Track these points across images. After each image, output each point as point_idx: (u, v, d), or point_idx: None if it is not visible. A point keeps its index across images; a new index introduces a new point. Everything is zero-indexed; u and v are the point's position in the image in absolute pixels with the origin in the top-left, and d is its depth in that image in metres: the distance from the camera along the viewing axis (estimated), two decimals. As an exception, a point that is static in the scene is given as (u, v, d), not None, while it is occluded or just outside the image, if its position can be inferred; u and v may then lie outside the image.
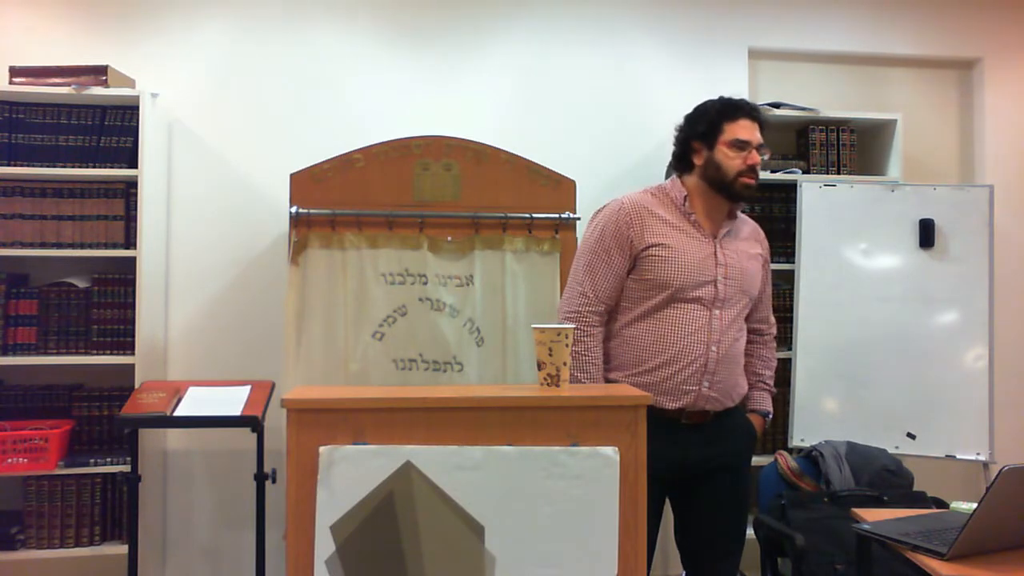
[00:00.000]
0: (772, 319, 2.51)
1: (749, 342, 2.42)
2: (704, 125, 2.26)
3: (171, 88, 3.23)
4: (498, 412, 1.66)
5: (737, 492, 2.29)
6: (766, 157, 2.32)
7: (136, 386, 2.83)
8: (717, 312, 2.21)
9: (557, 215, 2.99)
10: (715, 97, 2.31)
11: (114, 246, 2.97)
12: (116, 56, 3.18)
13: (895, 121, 3.42)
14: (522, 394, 1.71)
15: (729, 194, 2.24)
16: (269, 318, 3.22)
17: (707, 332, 2.20)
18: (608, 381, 2.26)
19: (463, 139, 2.99)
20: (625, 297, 2.26)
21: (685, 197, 2.27)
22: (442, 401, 1.67)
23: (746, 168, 2.22)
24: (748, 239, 2.36)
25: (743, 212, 2.43)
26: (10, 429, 2.82)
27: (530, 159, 3.02)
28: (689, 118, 2.32)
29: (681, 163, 2.32)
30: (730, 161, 2.22)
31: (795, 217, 3.26)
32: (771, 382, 2.49)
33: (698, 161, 2.27)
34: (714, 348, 2.19)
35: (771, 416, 2.49)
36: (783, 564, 2.54)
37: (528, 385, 1.96)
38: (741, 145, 2.22)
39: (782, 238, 3.35)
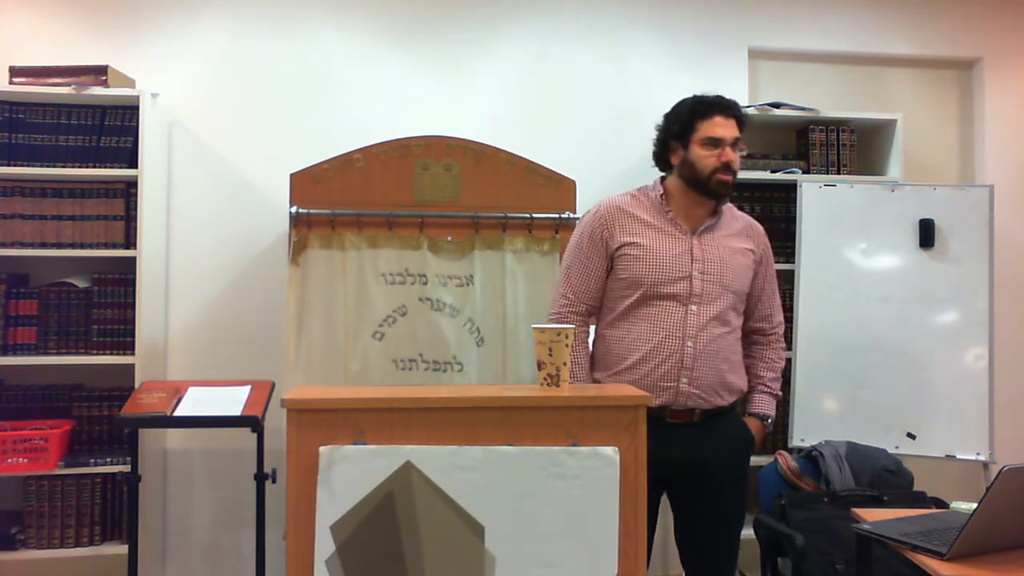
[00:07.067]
0: (778, 319, 2.43)
1: (752, 343, 2.40)
2: (678, 124, 2.27)
3: (171, 88, 3.23)
4: (498, 412, 1.66)
5: (730, 497, 2.25)
6: (743, 152, 2.30)
7: (136, 386, 2.83)
8: (694, 308, 2.21)
9: (557, 215, 2.99)
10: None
11: (114, 246, 2.97)
12: (116, 56, 3.18)
13: (895, 121, 3.42)
14: (522, 394, 1.71)
15: (706, 192, 2.25)
16: (269, 318, 3.22)
17: (682, 328, 2.19)
18: (593, 382, 2.28)
19: (463, 139, 2.99)
20: (606, 298, 2.32)
21: (662, 195, 2.30)
22: (442, 401, 1.66)
23: (720, 165, 2.22)
24: (737, 234, 2.33)
25: (741, 210, 2.42)
26: (10, 429, 2.83)
27: (530, 159, 3.02)
28: (666, 117, 2.34)
29: (660, 162, 2.36)
30: (704, 160, 2.23)
31: (795, 217, 3.27)
32: (774, 385, 2.40)
33: (675, 160, 2.29)
34: (690, 343, 2.19)
35: (771, 420, 2.39)
36: (783, 564, 2.54)
37: (528, 385, 1.96)
38: (714, 143, 2.22)
39: (782, 238, 3.35)
